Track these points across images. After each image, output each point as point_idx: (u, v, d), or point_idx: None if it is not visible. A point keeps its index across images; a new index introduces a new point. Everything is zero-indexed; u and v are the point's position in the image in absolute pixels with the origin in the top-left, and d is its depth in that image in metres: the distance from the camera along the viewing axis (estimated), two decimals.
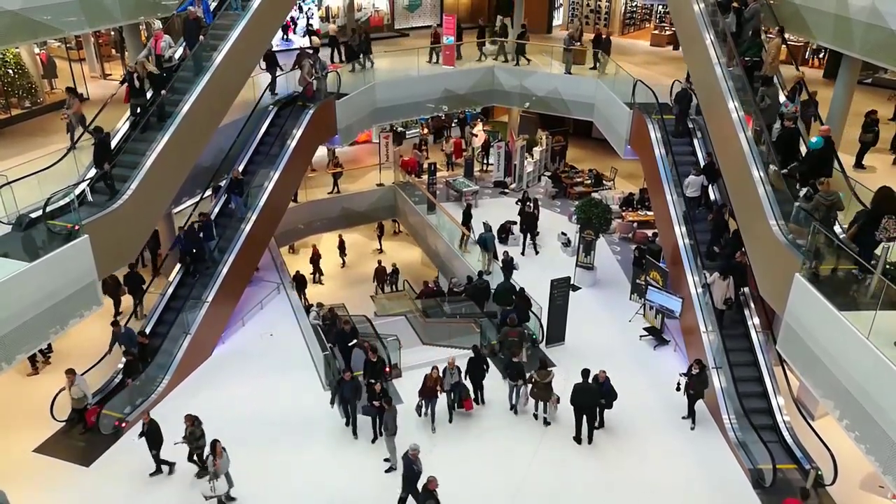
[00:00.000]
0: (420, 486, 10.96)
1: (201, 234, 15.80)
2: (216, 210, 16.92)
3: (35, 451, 12.66)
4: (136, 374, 13.80)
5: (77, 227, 11.53)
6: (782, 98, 13.86)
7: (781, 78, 14.54)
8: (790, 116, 12.50)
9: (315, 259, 22.87)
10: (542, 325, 16.09)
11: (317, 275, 23.00)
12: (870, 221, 9.74)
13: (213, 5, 16.72)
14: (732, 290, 13.95)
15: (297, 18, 25.89)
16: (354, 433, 13.26)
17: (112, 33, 24.96)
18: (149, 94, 14.58)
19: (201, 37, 15.32)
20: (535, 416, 13.95)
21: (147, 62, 14.42)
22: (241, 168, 17.29)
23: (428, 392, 13.22)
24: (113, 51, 25.80)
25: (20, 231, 11.54)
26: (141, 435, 11.95)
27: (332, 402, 13.43)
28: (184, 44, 15.74)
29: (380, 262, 23.18)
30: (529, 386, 13.77)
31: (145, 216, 13.95)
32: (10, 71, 19.80)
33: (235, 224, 16.45)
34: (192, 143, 14.99)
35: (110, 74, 24.12)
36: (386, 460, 12.57)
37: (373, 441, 13.08)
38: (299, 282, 20.27)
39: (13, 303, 10.37)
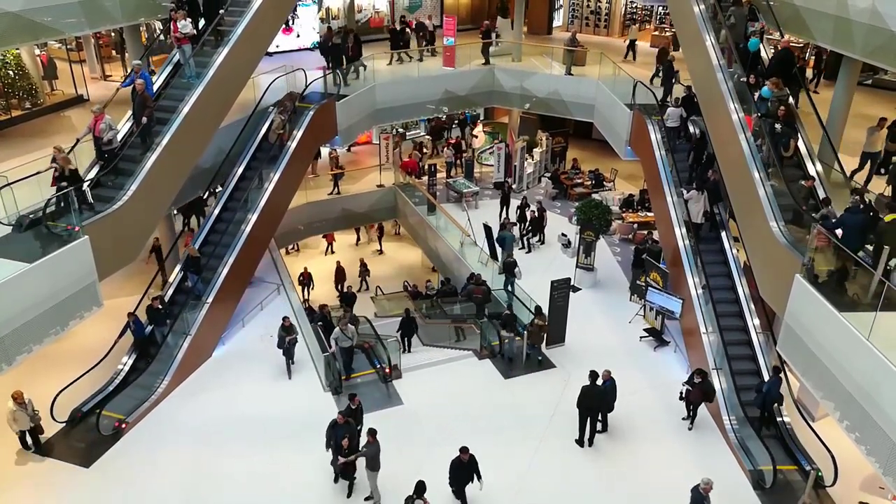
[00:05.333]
0: None
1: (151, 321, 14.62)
2: (172, 289, 15.58)
3: (35, 451, 12.65)
4: None
5: (77, 229, 11.53)
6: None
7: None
8: (758, 32, 14.78)
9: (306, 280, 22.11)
10: None
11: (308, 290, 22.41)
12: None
13: (162, 75, 15.78)
14: (708, 204, 15.38)
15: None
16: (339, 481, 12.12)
17: (112, 34, 24.99)
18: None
19: (144, 118, 13.69)
20: (528, 356, 15.48)
21: (69, 159, 12.26)
22: (198, 244, 16.11)
23: None
24: (113, 52, 25.83)
25: (20, 232, 11.54)
26: None
27: (327, 446, 12.05)
28: (129, 122, 14.32)
29: (338, 262, 22.75)
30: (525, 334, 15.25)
31: (146, 217, 13.95)
32: (11, 72, 19.81)
33: (193, 302, 15.16)
34: (193, 144, 15.02)
35: (111, 76, 24.15)
36: (367, 499, 11.90)
37: (348, 496, 11.96)
38: (349, 298, 18.83)
39: (13, 304, 10.35)
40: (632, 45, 25.47)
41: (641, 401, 14.23)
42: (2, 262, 10.57)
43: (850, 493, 11.88)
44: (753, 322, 14.15)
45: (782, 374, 12.63)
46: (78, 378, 13.41)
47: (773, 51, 15.35)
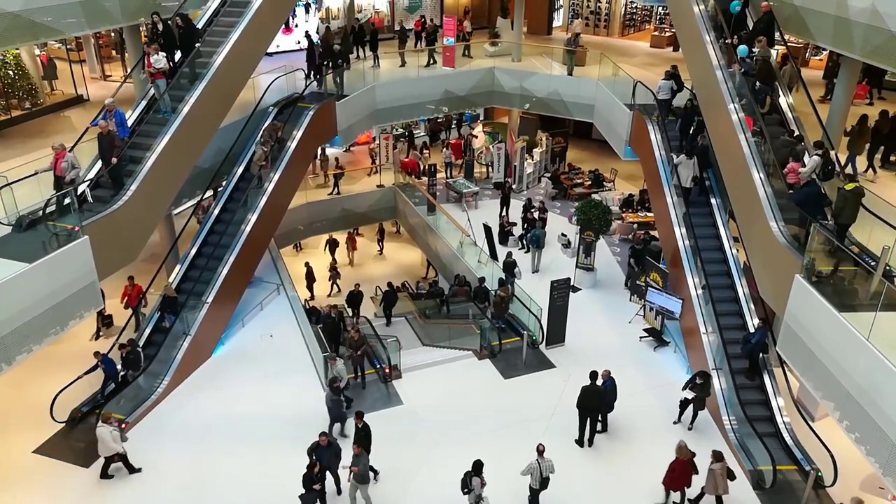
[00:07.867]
0: None
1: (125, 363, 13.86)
2: (148, 329, 14.98)
3: (35, 451, 12.66)
4: None
5: (77, 229, 11.52)
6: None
7: None
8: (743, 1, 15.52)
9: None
10: (541, 327, 16.09)
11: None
12: None
13: (136, 112, 15.08)
14: (697, 169, 15.87)
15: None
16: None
17: (112, 34, 25.01)
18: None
19: (114, 159, 13.15)
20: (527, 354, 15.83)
21: None
22: (175, 283, 15.62)
23: None
24: (113, 52, 25.87)
25: (20, 232, 11.53)
26: None
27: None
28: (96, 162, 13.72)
29: (307, 263, 22.12)
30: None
31: (146, 217, 13.96)
32: (11, 72, 19.82)
33: (171, 343, 14.68)
34: (193, 144, 15.02)
35: (110, 76, 24.19)
36: None
37: None
38: (354, 297, 18.75)
39: (13, 304, 10.35)
40: (574, 40, 25.07)
41: (641, 401, 14.22)
42: (2, 262, 10.56)
43: (850, 494, 11.84)
44: (753, 322, 14.15)
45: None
46: (77, 378, 13.40)
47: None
